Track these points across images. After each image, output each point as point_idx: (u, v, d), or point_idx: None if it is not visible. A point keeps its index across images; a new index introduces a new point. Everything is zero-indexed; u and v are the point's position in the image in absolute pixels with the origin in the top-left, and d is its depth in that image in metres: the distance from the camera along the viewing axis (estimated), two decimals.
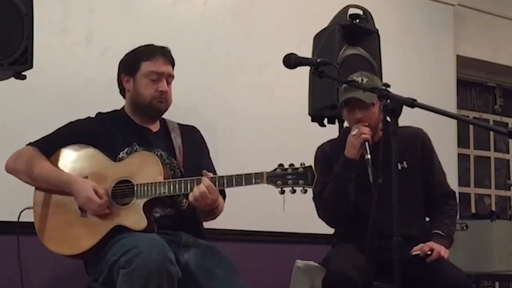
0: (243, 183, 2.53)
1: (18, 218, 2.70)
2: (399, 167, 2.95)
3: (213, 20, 4.06)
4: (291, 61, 2.66)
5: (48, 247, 2.63)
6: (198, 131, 2.98)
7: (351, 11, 3.46)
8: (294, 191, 2.48)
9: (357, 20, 3.47)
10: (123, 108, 2.90)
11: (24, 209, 2.70)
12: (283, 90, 4.16)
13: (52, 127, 2.81)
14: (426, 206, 3.07)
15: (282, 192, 2.48)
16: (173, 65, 2.84)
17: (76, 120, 2.84)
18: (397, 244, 2.31)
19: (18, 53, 2.50)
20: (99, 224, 2.59)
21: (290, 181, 2.48)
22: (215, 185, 2.56)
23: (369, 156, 2.81)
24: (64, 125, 2.82)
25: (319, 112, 3.51)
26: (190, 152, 2.84)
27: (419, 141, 3.07)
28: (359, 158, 2.89)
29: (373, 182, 2.74)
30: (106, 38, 3.68)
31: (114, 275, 2.46)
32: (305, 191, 2.49)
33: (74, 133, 2.76)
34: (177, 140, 2.84)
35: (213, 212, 2.70)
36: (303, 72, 3.12)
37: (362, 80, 2.90)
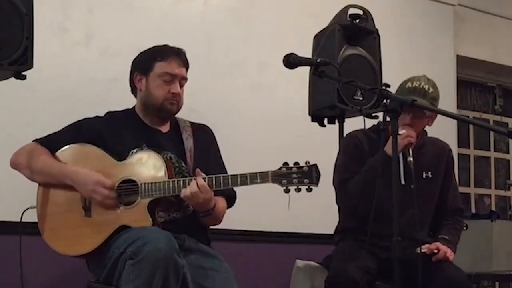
0: (248, 182, 2.50)
1: (21, 218, 2.69)
2: (424, 176, 3.03)
3: (213, 20, 4.05)
4: (291, 61, 2.66)
5: (52, 247, 2.62)
6: (210, 130, 2.94)
7: (351, 11, 3.46)
8: (299, 190, 2.46)
9: (357, 20, 3.47)
10: (134, 107, 2.86)
11: (27, 208, 2.69)
12: (283, 90, 4.16)
13: (51, 127, 2.80)
14: (434, 217, 3.11)
15: (287, 191, 2.47)
16: (187, 68, 2.81)
17: (84, 119, 2.80)
18: (397, 244, 2.33)
19: (18, 53, 2.49)
20: (103, 224, 2.56)
21: (295, 180, 2.46)
22: (212, 185, 2.52)
23: (411, 159, 2.83)
24: (71, 124, 2.79)
25: (319, 112, 3.52)
26: (201, 155, 2.80)
27: (445, 156, 3.14)
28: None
29: (406, 184, 2.75)
30: (106, 38, 3.68)
31: (118, 269, 2.44)
32: (310, 190, 2.47)
33: (80, 132, 2.73)
34: (188, 142, 2.79)
35: (209, 213, 2.62)
36: (303, 72, 3.12)
37: (428, 88, 2.93)
